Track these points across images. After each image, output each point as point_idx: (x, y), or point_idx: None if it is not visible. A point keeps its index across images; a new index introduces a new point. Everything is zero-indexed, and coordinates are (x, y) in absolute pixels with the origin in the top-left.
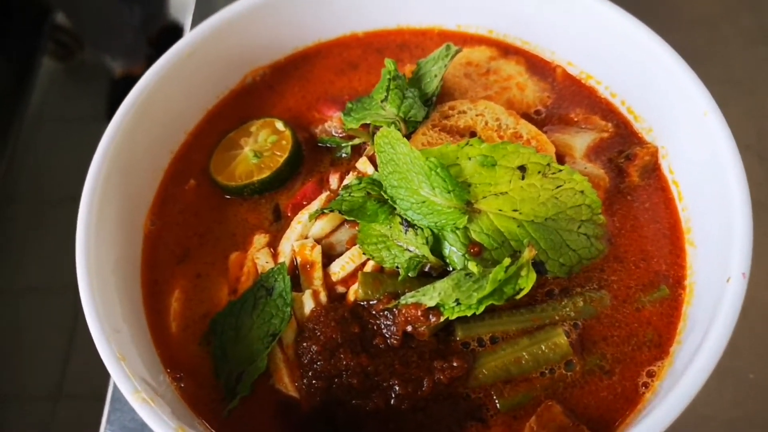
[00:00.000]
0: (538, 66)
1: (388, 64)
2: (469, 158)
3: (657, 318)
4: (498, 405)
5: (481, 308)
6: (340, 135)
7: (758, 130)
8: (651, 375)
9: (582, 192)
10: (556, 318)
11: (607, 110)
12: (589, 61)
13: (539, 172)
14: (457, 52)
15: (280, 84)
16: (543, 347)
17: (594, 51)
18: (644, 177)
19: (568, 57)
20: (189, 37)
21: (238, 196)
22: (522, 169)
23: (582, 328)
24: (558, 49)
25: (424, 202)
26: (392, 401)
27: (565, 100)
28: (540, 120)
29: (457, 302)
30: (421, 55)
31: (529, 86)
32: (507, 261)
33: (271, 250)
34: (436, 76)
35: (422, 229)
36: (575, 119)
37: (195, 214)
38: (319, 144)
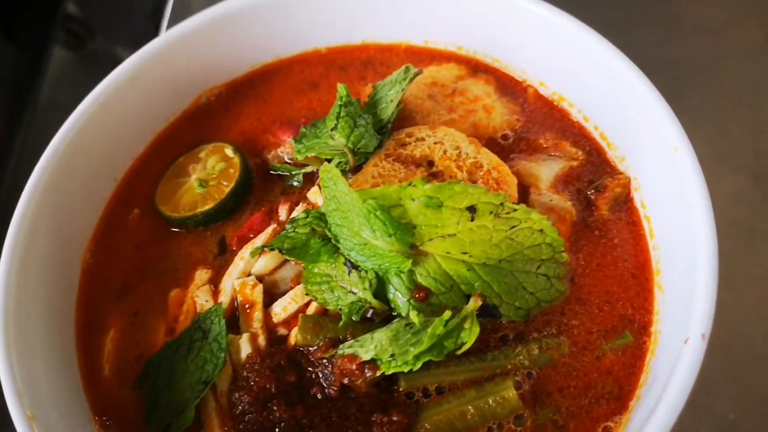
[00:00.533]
0: (508, 86)
1: (341, 89)
2: (413, 199)
3: (618, 368)
4: None
5: (418, 364)
6: (293, 162)
7: (755, 148)
8: (607, 431)
9: (541, 231)
10: (509, 367)
11: (579, 135)
12: (562, 83)
13: (491, 212)
14: (417, 74)
15: (236, 105)
16: (490, 401)
17: (568, 73)
18: (614, 210)
19: (541, 77)
20: (129, 62)
21: (182, 227)
22: (471, 209)
23: (536, 377)
24: (530, 69)
25: (365, 244)
26: None
27: (536, 124)
28: (507, 145)
29: (393, 357)
30: (386, 73)
31: (497, 108)
32: (447, 314)
33: (212, 287)
34: (392, 101)
35: (366, 271)
36: (544, 145)
37: (137, 247)
38: (271, 171)
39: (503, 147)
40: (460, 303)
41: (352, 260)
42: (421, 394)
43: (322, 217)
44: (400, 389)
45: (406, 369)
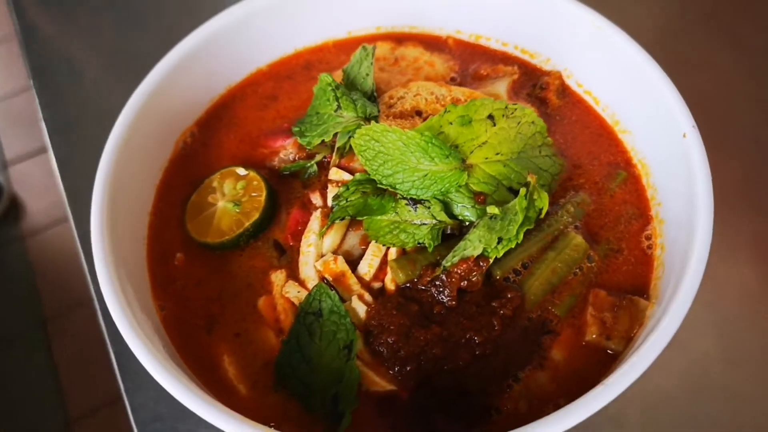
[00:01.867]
0: (432, 43)
1: (324, 78)
2: (450, 123)
3: (629, 195)
4: (557, 313)
5: (521, 237)
6: (300, 158)
7: None
8: (649, 238)
9: (533, 122)
10: (561, 228)
11: (505, 58)
12: (473, 24)
13: (503, 116)
14: (374, 49)
15: (213, 137)
16: (567, 252)
17: (474, 13)
18: (561, 98)
19: (455, 26)
20: (121, 126)
21: (234, 248)
22: (491, 117)
23: (582, 227)
24: (444, 24)
25: (425, 175)
26: (476, 352)
27: (469, 62)
28: (458, 84)
29: (499, 240)
30: (326, 69)
31: (435, 60)
32: (523, 190)
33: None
34: (367, 74)
35: (429, 201)
36: (485, 73)
37: (199, 284)
38: (283, 173)
39: (458, 84)
40: (507, 196)
41: (414, 197)
42: (513, 275)
43: (362, 181)
44: (498, 277)
45: (513, 245)
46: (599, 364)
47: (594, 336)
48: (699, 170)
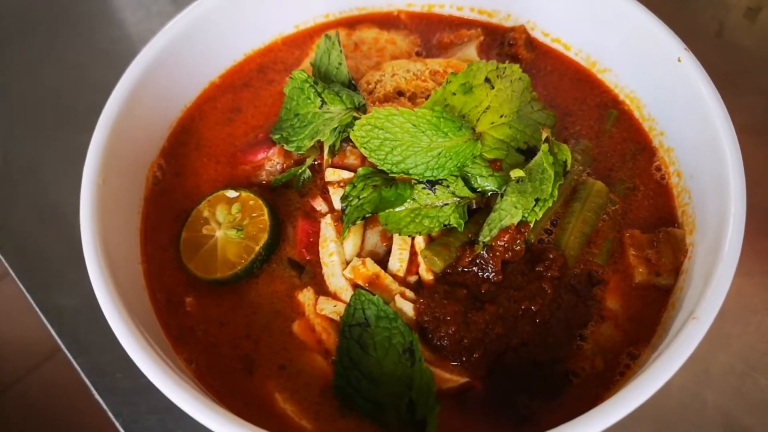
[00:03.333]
0: (385, 21)
1: (298, 75)
2: (453, 93)
3: (626, 132)
4: (599, 262)
5: (556, 193)
6: (288, 167)
7: None
8: (659, 169)
9: (520, 79)
10: (575, 177)
11: (465, 23)
12: None
13: (497, 77)
14: (338, 35)
15: (184, 165)
16: (592, 199)
17: None
18: (530, 51)
19: (404, 0)
20: (92, 169)
21: (248, 277)
22: (488, 81)
23: (592, 172)
24: (392, 0)
25: (439, 153)
26: (537, 320)
27: (428, 33)
28: (426, 56)
29: (536, 201)
30: (282, 68)
31: (395, 38)
32: (545, 146)
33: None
34: (340, 63)
35: (446, 179)
36: (449, 41)
37: (222, 324)
38: (275, 186)
39: (424, 57)
40: (518, 157)
41: (431, 179)
42: (545, 235)
43: (369, 174)
44: (532, 241)
45: (551, 203)
46: (656, 302)
47: (643, 276)
48: (705, 90)
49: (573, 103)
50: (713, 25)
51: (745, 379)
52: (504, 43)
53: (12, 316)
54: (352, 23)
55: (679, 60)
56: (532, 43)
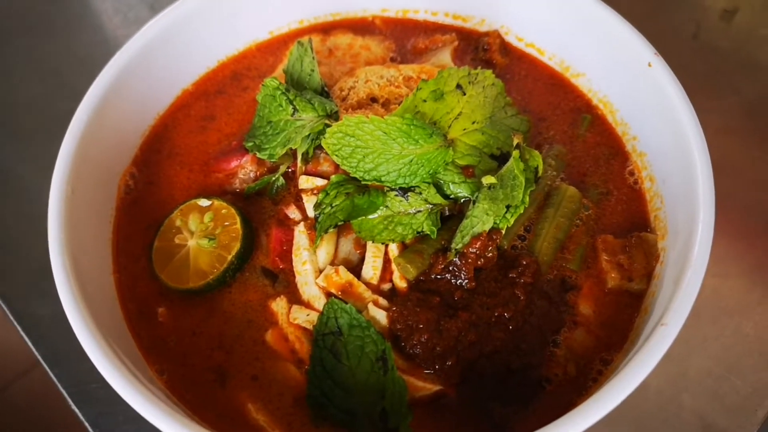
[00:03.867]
0: (360, 27)
1: (269, 83)
2: (424, 100)
3: (600, 137)
4: (572, 267)
5: (527, 199)
6: (261, 174)
7: None
8: (632, 173)
9: (493, 84)
10: (548, 183)
11: (439, 28)
12: (398, 0)
13: (469, 83)
14: (311, 42)
15: (156, 174)
16: (565, 205)
17: None
18: (505, 55)
19: (379, 5)
20: (60, 180)
21: (221, 286)
22: (459, 87)
23: (566, 177)
24: (367, 5)
25: (411, 160)
26: (509, 327)
27: (403, 39)
28: (400, 62)
29: (508, 208)
30: (256, 75)
31: (370, 44)
32: (516, 152)
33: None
34: (312, 70)
35: (419, 186)
36: (423, 46)
37: (195, 334)
38: (248, 194)
39: (399, 63)
40: (491, 163)
41: (403, 186)
42: (519, 241)
43: (342, 181)
44: (505, 248)
45: (522, 209)
46: (628, 307)
47: (615, 281)
48: (675, 95)
49: (547, 108)
50: (690, 27)
51: (722, 382)
52: (478, 48)
53: None
54: (326, 29)
55: (649, 65)
56: (506, 48)
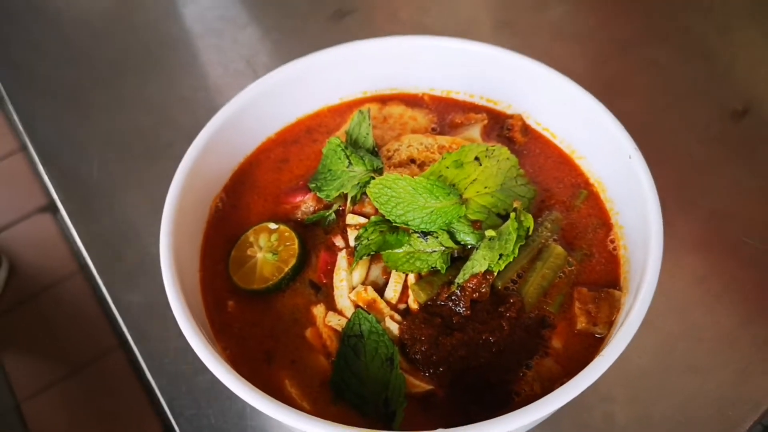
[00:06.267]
0: (411, 101)
1: (333, 141)
2: (447, 167)
3: (592, 210)
4: (551, 310)
5: (516, 251)
6: (318, 209)
7: None
8: (613, 242)
9: (507, 158)
10: (543, 241)
11: (474, 107)
12: (444, 82)
13: (486, 156)
14: (369, 112)
15: (239, 200)
16: (552, 260)
17: (444, 73)
18: (525, 135)
19: (429, 86)
20: (170, 204)
21: (277, 291)
22: (477, 159)
23: (560, 239)
24: (419, 84)
25: (432, 211)
26: (493, 349)
27: (444, 113)
28: (439, 133)
29: (500, 256)
30: (325, 131)
31: (417, 115)
32: (513, 214)
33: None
34: (367, 134)
35: (436, 232)
36: (459, 122)
37: (253, 324)
38: (307, 224)
39: (438, 133)
40: (497, 221)
41: (424, 230)
42: (511, 284)
43: (378, 223)
44: (500, 287)
45: (511, 259)
46: (591, 347)
47: (583, 324)
48: (646, 185)
49: (552, 182)
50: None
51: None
52: (504, 127)
53: (81, 308)
54: (384, 100)
55: (630, 157)
56: (527, 129)
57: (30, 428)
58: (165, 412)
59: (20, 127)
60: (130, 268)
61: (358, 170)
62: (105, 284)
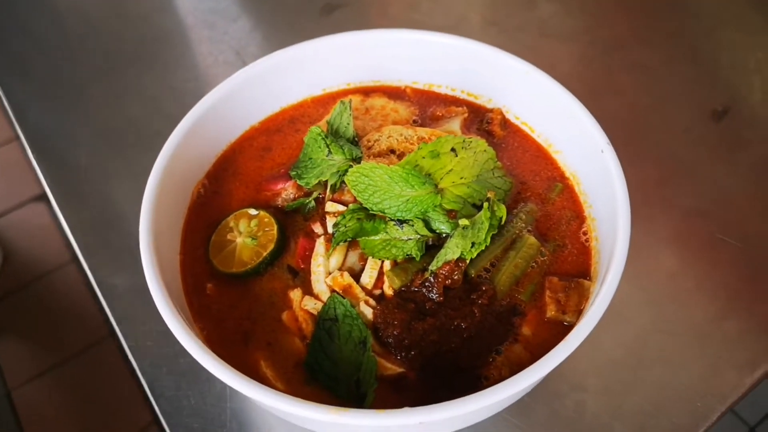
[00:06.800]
0: (393, 93)
1: (314, 130)
2: (423, 157)
3: (566, 202)
4: (523, 298)
5: (488, 240)
6: (299, 197)
7: None
8: (585, 233)
9: (485, 150)
10: (517, 232)
11: (455, 101)
12: (426, 75)
13: (462, 148)
14: (350, 103)
15: (222, 186)
16: (524, 250)
17: (426, 67)
18: (503, 129)
19: (411, 78)
20: (151, 186)
21: (256, 275)
22: (453, 150)
23: (534, 230)
24: (402, 77)
25: (408, 200)
26: (464, 335)
27: (426, 106)
28: (420, 125)
29: (473, 245)
30: (308, 121)
31: (399, 108)
32: (486, 204)
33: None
34: (348, 124)
35: (412, 220)
36: (440, 114)
37: (231, 306)
38: (287, 210)
39: (419, 125)
40: (472, 211)
41: (400, 218)
42: (484, 272)
43: (356, 209)
44: (473, 276)
45: (483, 247)
46: (560, 334)
47: (553, 312)
48: (616, 178)
49: (529, 174)
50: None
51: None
52: (483, 120)
53: (74, 297)
54: (367, 91)
55: (602, 151)
56: (506, 123)
57: (20, 415)
58: (150, 397)
59: (12, 116)
60: (116, 253)
61: (338, 159)
62: (90, 268)
